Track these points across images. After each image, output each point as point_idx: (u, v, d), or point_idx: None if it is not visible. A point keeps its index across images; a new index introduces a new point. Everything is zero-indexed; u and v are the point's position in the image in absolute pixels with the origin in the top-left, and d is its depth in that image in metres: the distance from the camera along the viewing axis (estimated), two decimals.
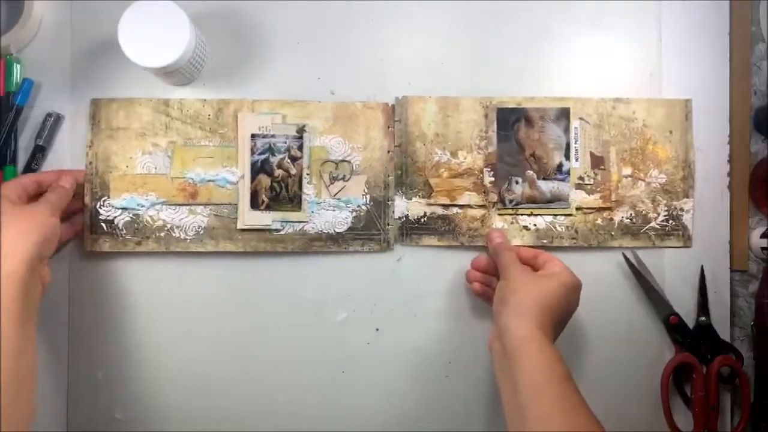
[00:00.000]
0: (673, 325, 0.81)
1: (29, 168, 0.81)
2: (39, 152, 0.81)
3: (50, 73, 0.83)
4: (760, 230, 0.82)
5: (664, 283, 0.82)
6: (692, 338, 0.81)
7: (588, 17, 0.85)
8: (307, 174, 0.82)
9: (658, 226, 0.82)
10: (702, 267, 0.82)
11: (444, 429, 0.82)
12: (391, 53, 0.84)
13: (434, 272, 0.83)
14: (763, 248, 0.82)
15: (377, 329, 0.83)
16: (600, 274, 0.82)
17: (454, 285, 0.83)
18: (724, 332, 0.82)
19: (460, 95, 0.83)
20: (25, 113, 0.82)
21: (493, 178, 0.82)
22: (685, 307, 0.82)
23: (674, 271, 0.83)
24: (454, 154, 0.82)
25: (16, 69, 0.81)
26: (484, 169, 0.82)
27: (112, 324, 0.82)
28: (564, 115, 0.82)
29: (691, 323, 0.82)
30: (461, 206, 0.82)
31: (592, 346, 0.82)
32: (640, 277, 0.81)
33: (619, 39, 0.85)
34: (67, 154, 0.82)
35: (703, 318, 0.81)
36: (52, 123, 0.81)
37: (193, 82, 0.83)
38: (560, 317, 0.70)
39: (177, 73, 0.77)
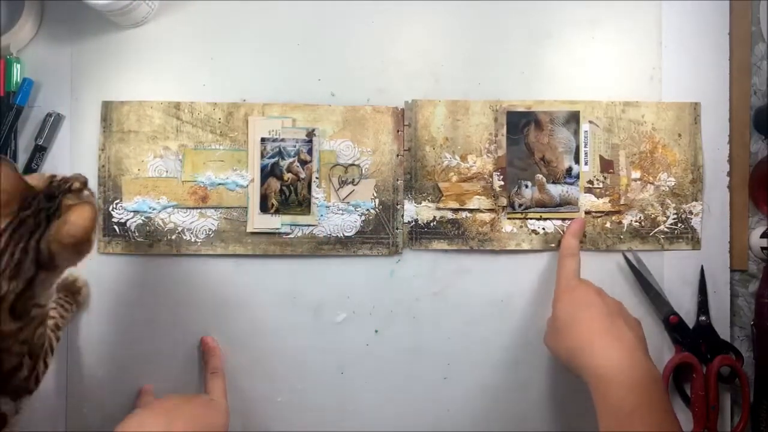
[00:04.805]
0: (673, 325, 0.82)
1: (29, 168, 0.80)
2: (39, 152, 0.80)
3: (50, 73, 0.81)
4: (760, 230, 0.83)
5: (664, 283, 0.83)
6: (692, 338, 0.82)
7: (588, 18, 0.85)
8: (317, 178, 0.81)
9: (667, 230, 0.83)
10: (702, 267, 0.83)
11: (442, 430, 0.83)
12: (391, 55, 0.84)
13: (433, 274, 0.83)
14: (763, 248, 0.83)
15: (376, 331, 0.83)
16: (600, 273, 0.83)
17: (453, 287, 0.83)
18: (724, 332, 0.83)
19: (461, 96, 0.83)
20: (25, 113, 0.81)
21: (502, 182, 0.82)
22: (685, 307, 0.84)
23: (674, 270, 0.84)
24: (463, 158, 0.82)
25: (16, 69, 0.80)
26: (494, 173, 0.82)
27: (114, 324, 0.81)
28: (573, 118, 0.82)
29: (691, 323, 0.83)
30: (471, 210, 0.82)
31: None
32: (641, 277, 0.82)
33: (619, 39, 0.85)
34: (67, 154, 0.82)
35: (703, 318, 0.83)
36: (52, 123, 0.80)
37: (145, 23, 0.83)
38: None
39: (129, 12, 0.78)
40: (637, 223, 0.83)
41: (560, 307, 0.74)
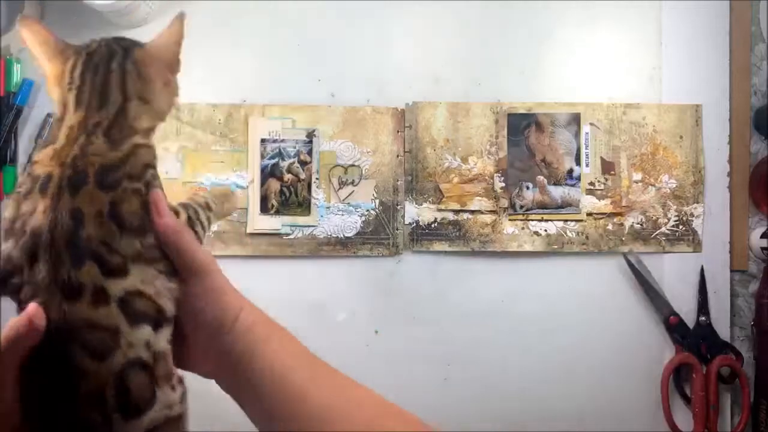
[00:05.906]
0: (673, 325, 0.82)
1: None
2: None
3: None
4: (760, 230, 0.83)
5: (664, 284, 0.83)
6: (692, 338, 0.82)
7: (588, 18, 0.85)
8: (317, 178, 0.81)
9: (668, 231, 0.83)
10: (702, 267, 0.83)
11: (442, 430, 0.82)
12: (391, 55, 0.84)
13: (433, 275, 0.83)
14: (763, 248, 0.83)
15: (376, 331, 0.83)
16: (601, 274, 0.83)
17: (453, 287, 0.83)
18: (724, 332, 0.83)
19: (461, 96, 0.83)
20: (25, 113, 0.81)
21: (503, 184, 0.82)
22: (686, 307, 0.83)
23: (674, 271, 0.84)
24: (464, 160, 0.82)
25: (16, 69, 0.80)
26: (495, 175, 0.82)
27: None
28: (574, 120, 0.82)
29: (691, 323, 0.83)
30: (472, 212, 0.82)
31: (593, 345, 0.83)
32: (641, 277, 0.82)
33: (619, 39, 0.85)
34: None
35: (703, 318, 0.83)
36: (52, 123, 0.80)
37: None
38: None
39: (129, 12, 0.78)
40: (639, 225, 0.83)
41: None
